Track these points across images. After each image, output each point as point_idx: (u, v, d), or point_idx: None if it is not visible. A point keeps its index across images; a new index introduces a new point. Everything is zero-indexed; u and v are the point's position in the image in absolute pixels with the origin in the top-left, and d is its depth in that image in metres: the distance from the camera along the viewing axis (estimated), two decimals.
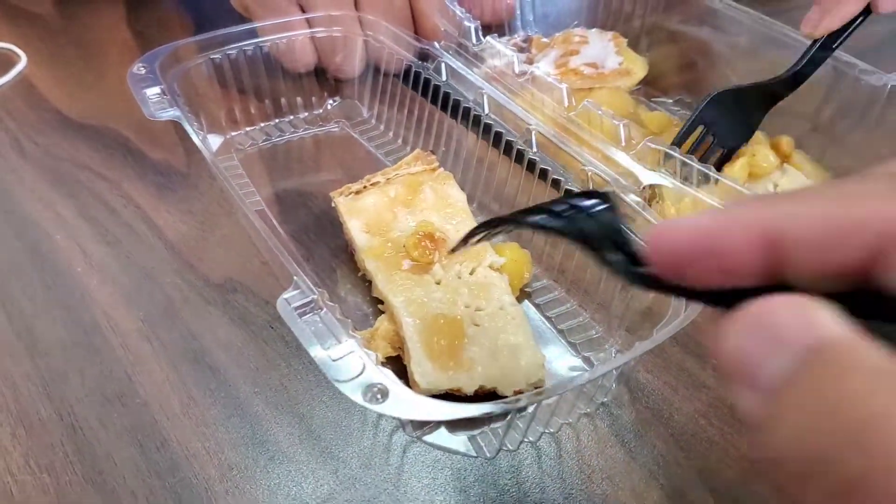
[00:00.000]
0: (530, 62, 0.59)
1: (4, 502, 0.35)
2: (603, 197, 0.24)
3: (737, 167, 0.49)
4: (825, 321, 0.17)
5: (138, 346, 0.42)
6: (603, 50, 0.58)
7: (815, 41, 0.50)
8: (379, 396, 0.30)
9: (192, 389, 0.39)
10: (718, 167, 0.49)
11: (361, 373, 0.30)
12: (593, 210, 0.24)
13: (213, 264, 0.46)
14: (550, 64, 0.59)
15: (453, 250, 0.38)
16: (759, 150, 0.50)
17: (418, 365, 0.38)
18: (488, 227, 0.30)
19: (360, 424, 0.38)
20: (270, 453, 0.37)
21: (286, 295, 0.34)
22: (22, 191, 0.52)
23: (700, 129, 0.50)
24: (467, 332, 0.39)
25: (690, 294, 0.21)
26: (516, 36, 0.65)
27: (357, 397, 0.30)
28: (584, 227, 0.24)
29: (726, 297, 0.20)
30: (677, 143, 0.49)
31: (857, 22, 0.49)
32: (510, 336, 0.39)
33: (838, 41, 0.50)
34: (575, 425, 0.39)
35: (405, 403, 0.30)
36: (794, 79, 0.50)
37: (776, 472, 0.17)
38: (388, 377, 0.30)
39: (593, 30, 0.63)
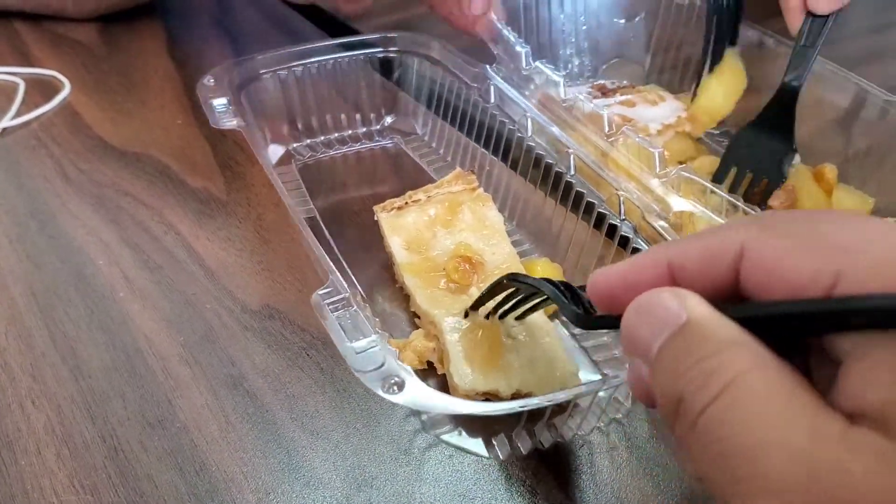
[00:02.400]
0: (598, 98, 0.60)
1: None
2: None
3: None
4: (692, 304, 0.23)
5: (178, 371, 0.43)
6: (656, 117, 0.58)
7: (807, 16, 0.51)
8: (395, 388, 0.32)
9: (230, 414, 0.41)
10: (763, 199, 0.50)
11: (382, 365, 0.33)
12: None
13: (251, 291, 0.48)
14: (597, 102, 0.59)
15: (474, 306, 0.41)
16: (802, 186, 0.50)
17: (457, 368, 0.39)
18: (512, 282, 0.38)
19: (394, 452, 0.39)
20: (306, 479, 0.38)
21: (321, 291, 0.37)
22: (66, 216, 0.54)
23: (734, 170, 0.51)
24: (504, 342, 0.41)
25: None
26: (607, 81, 0.65)
27: (376, 387, 0.32)
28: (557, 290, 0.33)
29: None
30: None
31: None
32: (545, 348, 0.41)
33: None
34: (595, 445, 0.39)
35: (419, 396, 0.32)
36: (801, 56, 0.51)
37: (663, 419, 0.23)
38: (406, 371, 0.33)
39: (676, 101, 0.61)
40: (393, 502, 0.37)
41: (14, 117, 0.64)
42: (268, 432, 0.40)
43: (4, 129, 0.63)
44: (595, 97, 0.59)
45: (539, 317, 0.42)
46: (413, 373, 0.33)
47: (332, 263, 0.38)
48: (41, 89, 0.68)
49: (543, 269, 0.46)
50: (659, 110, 0.58)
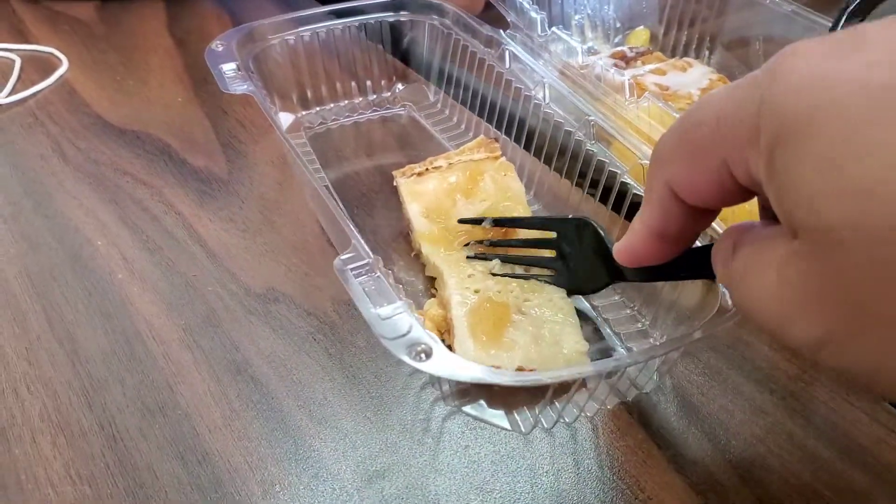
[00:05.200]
0: (619, 68, 0.57)
1: None
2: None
3: None
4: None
5: (179, 356, 0.41)
6: (691, 82, 0.56)
7: None
8: (423, 356, 0.31)
9: (233, 402, 0.39)
10: None
11: (408, 332, 0.32)
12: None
13: (254, 273, 0.46)
14: (629, 73, 0.56)
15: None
16: None
17: (461, 343, 0.38)
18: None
19: (407, 441, 0.37)
20: (314, 470, 0.36)
21: (343, 256, 0.35)
22: (63, 195, 0.52)
23: None
24: (513, 318, 0.40)
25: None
26: (626, 48, 0.63)
27: (402, 355, 0.31)
28: None
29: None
30: None
31: None
32: (555, 325, 0.40)
33: None
34: (608, 459, 0.37)
35: (446, 364, 0.31)
36: None
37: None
38: (433, 338, 0.31)
39: (702, 66, 0.60)
40: (406, 495, 0.35)
41: (9, 95, 0.62)
42: (273, 420, 0.38)
43: (0, 107, 0.61)
44: (617, 65, 0.57)
45: (555, 292, 0.41)
46: (440, 341, 0.31)
47: (354, 230, 0.37)
48: (38, 66, 0.66)
49: None
50: (689, 76, 0.56)
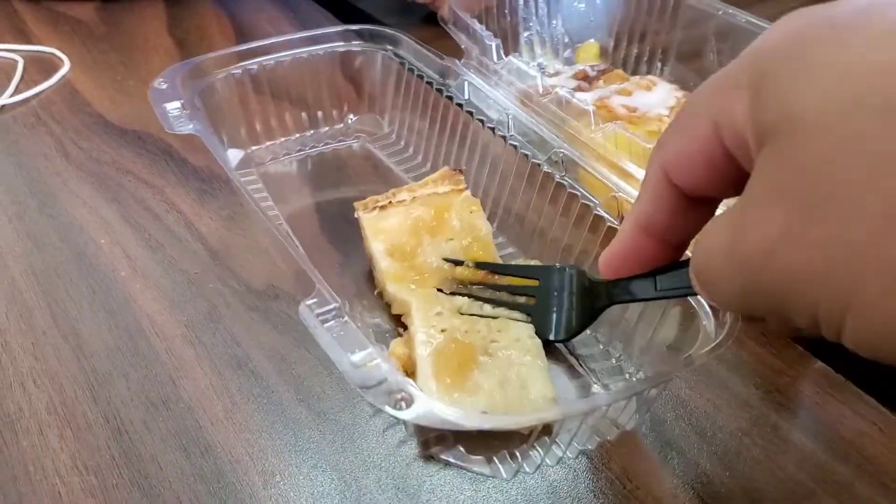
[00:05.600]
0: (582, 90, 0.57)
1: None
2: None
3: None
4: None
5: (182, 351, 0.42)
6: (658, 102, 0.55)
7: None
8: (403, 404, 0.30)
9: (235, 395, 0.40)
10: None
11: (385, 380, 0.30)
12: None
13: (254, 270, 0.47)
14: (594, 95, 0.56)
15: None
16: None
17: (423, 385, 0.37)
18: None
19: (402, 434, 0.38)
20: (314, 461, 0.37)
21: (309, 301, 0.34)
22: (67, 195, 0.53)
23: None
24: (479, 359, 0.38)
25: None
26: (587, 66, 0.62)
27: (383, 404, 0.30)
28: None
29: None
30: None
31: None
32: (522, 368, 0.38)
33: None
34: (597, 451, 0.38)
35: (428, 411, 0.29)
36: None
37: None
38: (412, 385, 0.30)
39: (666, 84, 0.59)
40: (403, 485, 0.36)
41: (13, 95, 0.63)
42: (273, 413, 0.39)
43: (3, 107, 0.62)
44: (580, 87, 0.57)
45: (523, 332, 0.40)
46: (418, 388, 0.30)
47: (318, 272, 0.35)
48: (40, 67, 0.67)
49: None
50: (656, 95, 0.56)
